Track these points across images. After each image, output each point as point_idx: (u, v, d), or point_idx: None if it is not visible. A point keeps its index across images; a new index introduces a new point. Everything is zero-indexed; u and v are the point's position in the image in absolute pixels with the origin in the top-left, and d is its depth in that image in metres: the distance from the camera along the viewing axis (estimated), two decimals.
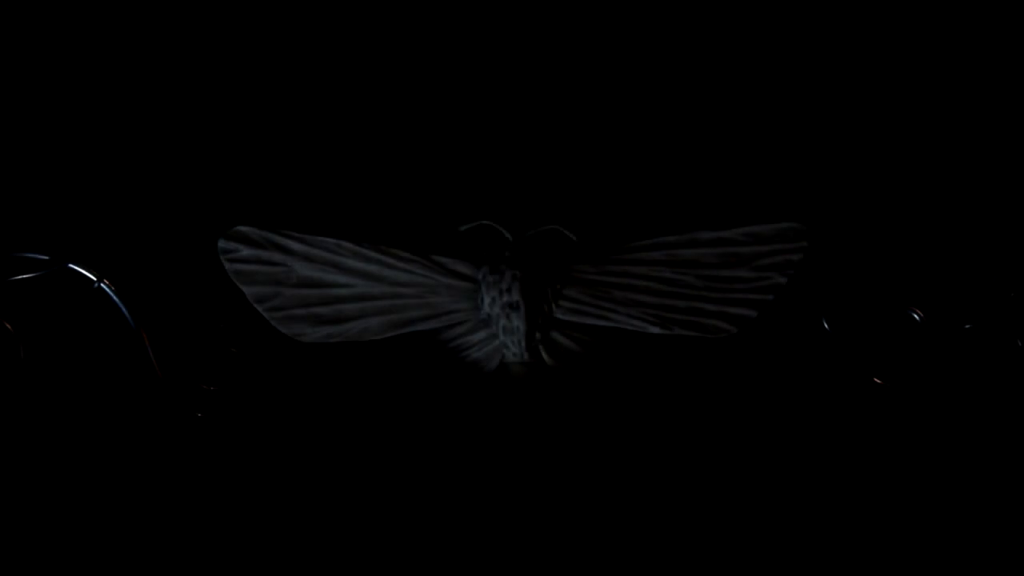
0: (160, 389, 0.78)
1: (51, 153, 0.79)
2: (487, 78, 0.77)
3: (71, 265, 0.77)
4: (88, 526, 0.75)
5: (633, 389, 0.79)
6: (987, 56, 0.74)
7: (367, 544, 0.76)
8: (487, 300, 0.75)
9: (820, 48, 0.76)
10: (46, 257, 0.76)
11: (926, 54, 0.73)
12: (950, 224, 0.79)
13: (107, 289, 0.77)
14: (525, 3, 0.80)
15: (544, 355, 0.76)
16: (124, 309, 0.77)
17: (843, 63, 0.75)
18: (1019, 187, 0.79)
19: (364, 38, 0.80)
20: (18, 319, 0.78)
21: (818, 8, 0.80)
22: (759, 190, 0.78)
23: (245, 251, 0.76)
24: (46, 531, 0.75)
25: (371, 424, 0.80)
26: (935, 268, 0.79)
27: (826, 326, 0.77)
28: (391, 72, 0.78)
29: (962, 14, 0.79)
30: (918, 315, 0.78)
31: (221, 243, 0.76)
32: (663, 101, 0.75)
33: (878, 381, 0.79)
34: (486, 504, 0.77)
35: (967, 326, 0.78)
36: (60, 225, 0.78)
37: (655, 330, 0.76)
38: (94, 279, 0.77)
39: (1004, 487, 0.77)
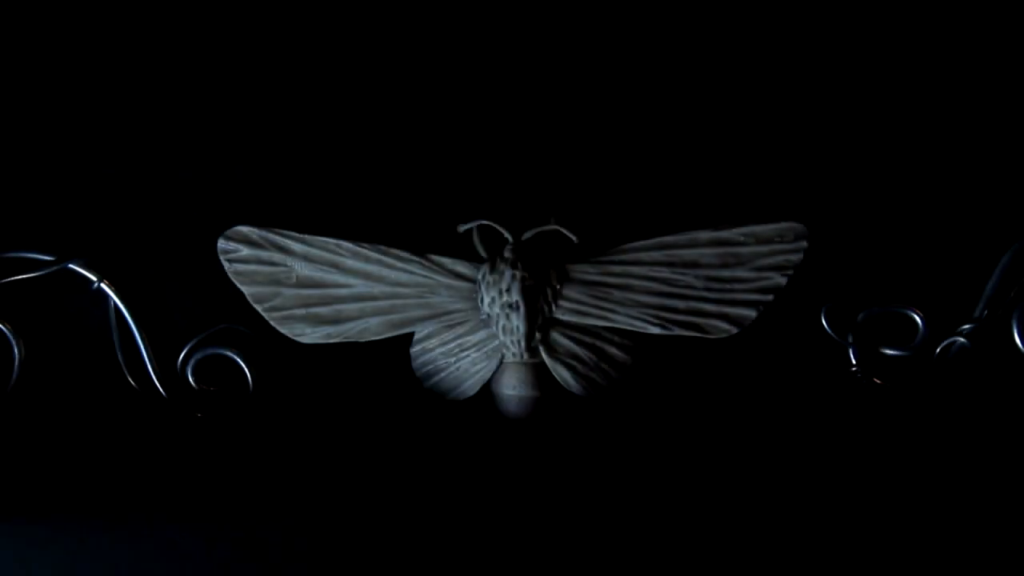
0: (160, 390, 0.78)
1: (51, 153, 0.79)
2: (487, 78, 0.77)
3: (71, 265, 0.77)
4: (88, 526, 0.75)
5: (633, 389, 0.79)
6: (987, 56, 0.74)
7: (366, 544, 0.76)
8: (487, 300, 0.75)
9: (820, 48, 0.76)
10: (46, 257, 0.76)
11: (926, 54, 0.74)
12: (950, 224, 0.79)
13: (107, 289, 0.77)
14: (525, 3, 0.80)
15: (544, 355, 0.76)
16: (124, 309, 0.77)
17: (843, 62, 0.75)
18: (1019, 187, 0.79)
19: (363, 38, 0.80)
20: (18, 319, 0.78)
21: (818, 8, 0.80)
22: (759, 190, 0.78)
23: (245, 251, 0.76)
24: (46, 531, 0.75)
25: (370, 424, 0.80)
26: (935, 268, 0.79)
27: (826, 326, 0.77)
28: (390, 72, 0.78)
29: (962, 14, 0.79)
30: (918, 316, 0.78)
31: (221, 243, 0.76)
32: (663, 101, 0.75)
33: (878, 381, 0.79)
34: (486, 502, 0.77)
35: (966, 326, 0.78)
36: (60, 225, 0.78)
37: (655, 330, 0.76)
38: (94, 279, 0.77)
39: (1004, 488, 0.77)
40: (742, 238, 0.76)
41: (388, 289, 0.76)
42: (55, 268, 0.76)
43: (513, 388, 0.76)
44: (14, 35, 0.79)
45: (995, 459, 0.81)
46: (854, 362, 0.78)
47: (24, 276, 0.77)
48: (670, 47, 0.79)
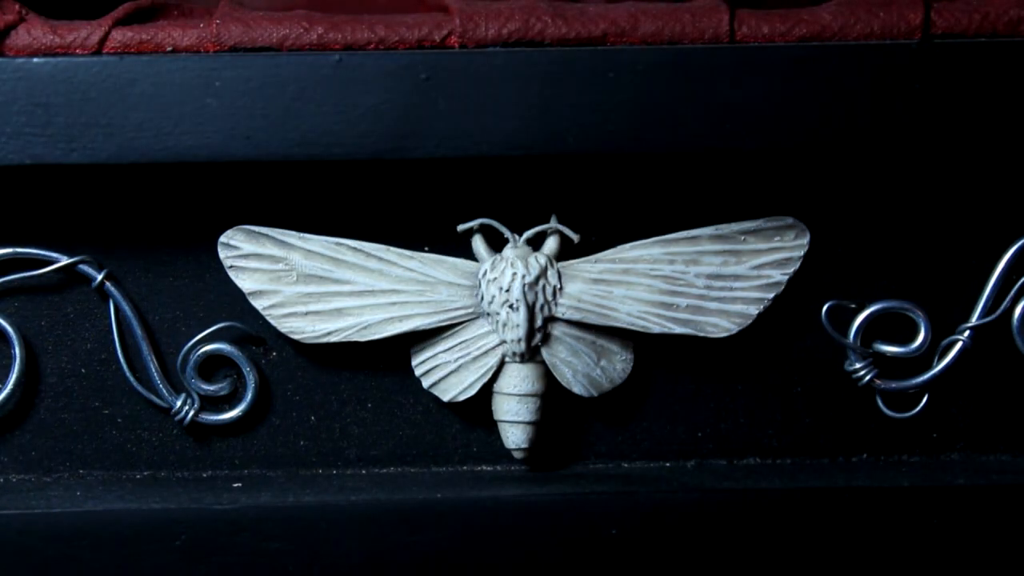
0: (161, 388, 0.78)
1: (51, 151, 0.79)
2: (486, 76, 0.77)
3: (73, 264, 0.77)
4: (86, 526, 0.75)
5: (631, 389, 0.79)
6: (988, 54, 0.74)
7: (366, 544, 0.76)
8: (487, 299, 0.75)
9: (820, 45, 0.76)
10: (48, 255, 0.77)
11: (927, 51, 0.74)
12: (951, 224, 0.79)
13: (107, 289, 0.77)
14: None
15: (544, 355, 0.77)
16: (125, 309, 0.77)
17: (843, 58, 0.75)
18: (1019, 186, 0.79)
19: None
20: (18, 319, 0.78)
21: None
22: (758, 188, 0.78)
23: (244, 249, 0.76)
24: (44, 532, 0.75)
25: (370, 425, 0.80)
26: (936, 267, 0.80)
27: (827, 325, 0.77)
28: (388, 69, 0.78)
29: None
30: (920, 315, 0.78)
31: (221, 242, 0.76)
32: (662, 98, 0.75)
33: (877, 382, 0.79)
34: (486, 497, 0.76)
35: (967, 326, 0.78)
36: (61, 224, 0.78)
37: (656, 329, 0.76)
38: (95, 278, 0.77)
39: (1006, 489, 0.77)
40: (742, 236, 0.76)
41: (388, 287, 0.76)
42: (56, 267, 0.76)
43: (514, 388, 0.76)
44: None
45: (995, 457, 0.81)
46: (854, 362, 0.78)
47: (24, 275, 0.77)
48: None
